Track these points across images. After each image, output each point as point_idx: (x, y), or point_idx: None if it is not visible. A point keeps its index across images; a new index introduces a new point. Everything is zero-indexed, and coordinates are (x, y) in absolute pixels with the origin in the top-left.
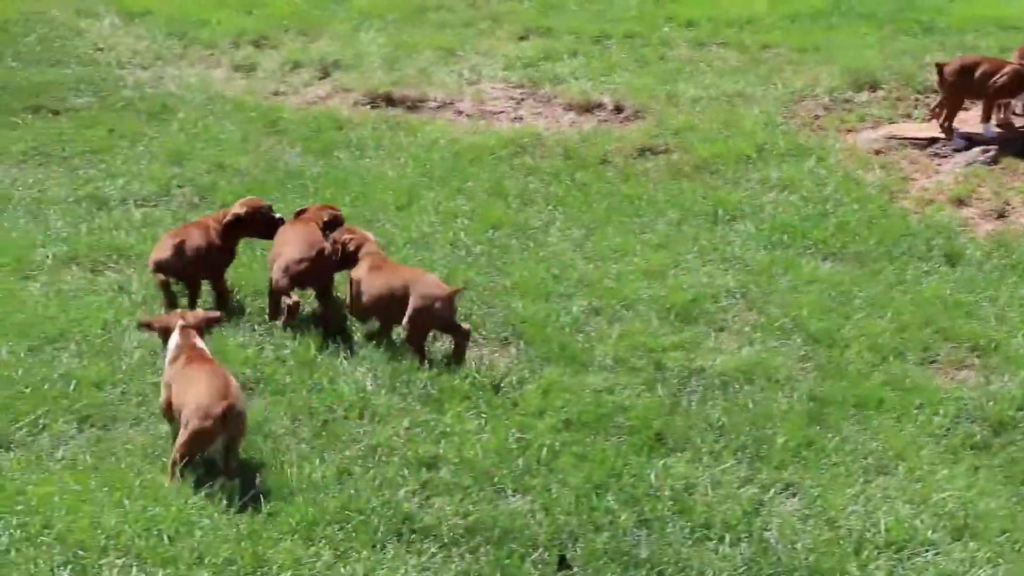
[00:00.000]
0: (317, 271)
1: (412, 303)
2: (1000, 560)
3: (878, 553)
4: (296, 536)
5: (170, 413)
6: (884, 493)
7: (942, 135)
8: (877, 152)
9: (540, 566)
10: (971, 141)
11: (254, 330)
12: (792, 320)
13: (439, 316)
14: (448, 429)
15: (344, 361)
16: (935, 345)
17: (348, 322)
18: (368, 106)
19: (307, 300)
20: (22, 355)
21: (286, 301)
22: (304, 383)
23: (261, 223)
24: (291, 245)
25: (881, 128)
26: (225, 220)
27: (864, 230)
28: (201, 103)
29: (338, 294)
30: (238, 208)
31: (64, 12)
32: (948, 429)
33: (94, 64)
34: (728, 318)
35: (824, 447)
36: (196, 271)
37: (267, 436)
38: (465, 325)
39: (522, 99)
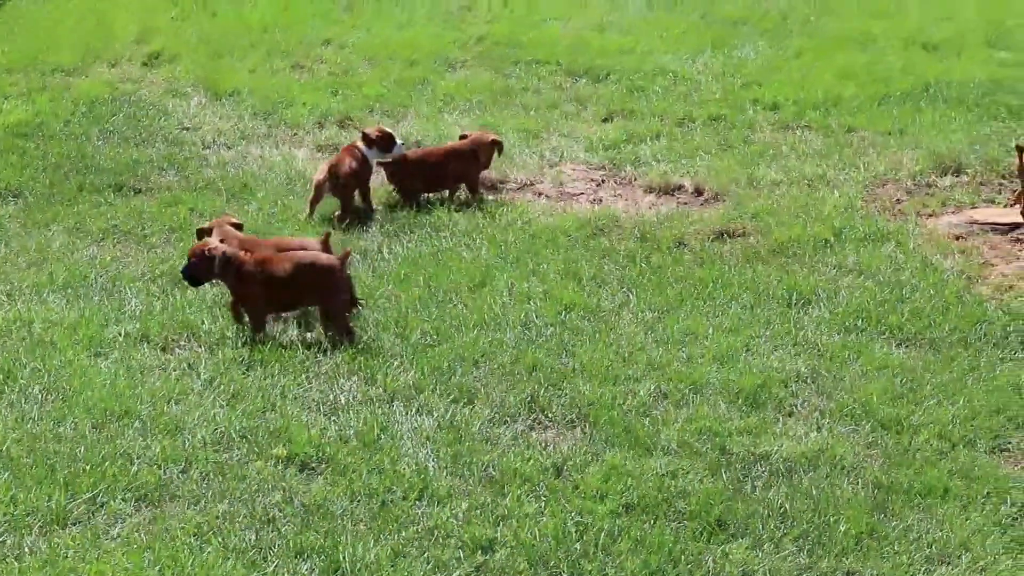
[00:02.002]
0: None
1: None
2: None
3: None
4: None
5: None
6: None
7: None
8: (957, 237)
9: None
10: None
11: (319, 409)
12: (861, 406)
13: None
14: (507, 512)
15: (408, 442)
16: (1007, 433)
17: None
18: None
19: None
20: (86, 432)
21: None
22: (366, 463)
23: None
24: None
25: (963, 213)
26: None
27: (939, 316)
28: (282, 183)
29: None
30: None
31: (153, 92)
32: (1015, 518)
33: (179, 144)
34: (797, 403)
35: (887, 535)
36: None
37: (324, 516)
38: None
39: (602, 181)
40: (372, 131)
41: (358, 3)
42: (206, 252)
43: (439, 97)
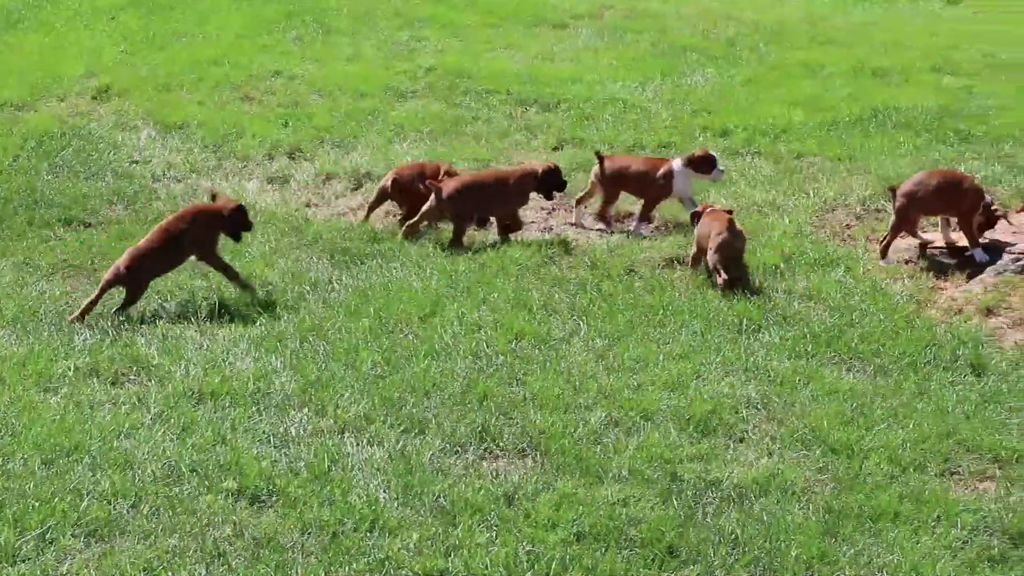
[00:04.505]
0: None
1: None
2: None
3: None
4: None
5: None
6: None
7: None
8: (907, 262)
9: None
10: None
11: (270, 441)
12: (812, 431)
13: None
14: (458, 542)
15: (359, 473)
16: (956, 456)
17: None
18: (398, 217)
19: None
20: (35, 468)
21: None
22: (316, 495)
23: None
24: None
25: (912, 237)
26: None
27: (889, 340)
28: None
29: None
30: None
31: (102, 126)
32: (965, 542)
33: (129, 177)
34: (747, 429)
35: (838, 560)
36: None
37: (274, 549)
38: None
39: (553, 209)
40: (697, 152)
41: (307, 35)
42: None
43: (389, 128)
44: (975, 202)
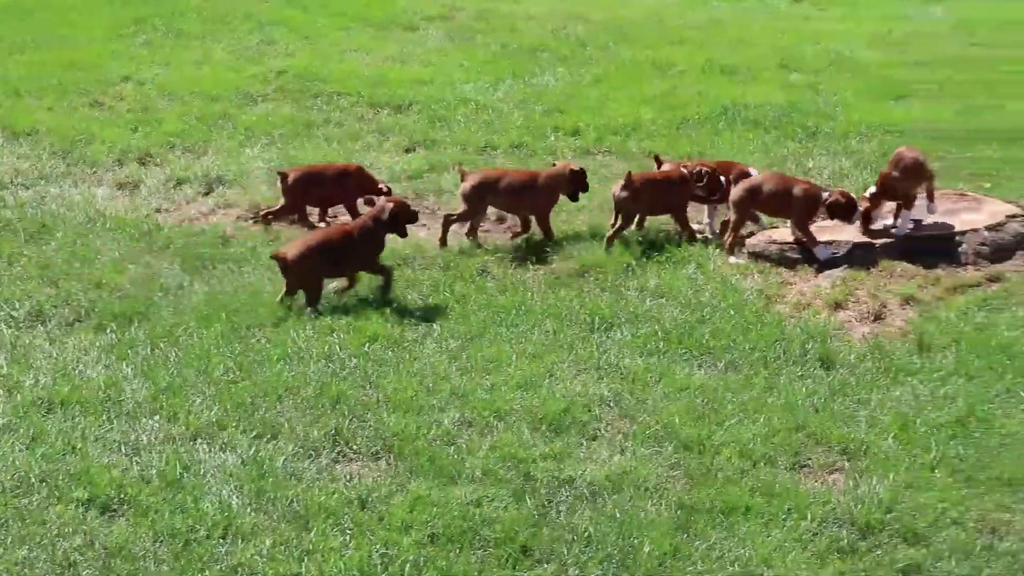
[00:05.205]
0: None
1: None
2: None
3: None
4: None
5: None
6: None
7: (821, 240)
8: (756, 258)
9: None
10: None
11: (121, 449)
12: (664, 427)
13: None
14: (312, 546)
15: (211, 480)
16: (806, 449)
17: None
18: (250, 221)
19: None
20: None
21: None
22: (168, 503)
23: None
24: None
25: (762, 233)
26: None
27: (739, 336)
28: (81, 222)
29: None
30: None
31: None
32: (815, 534)
33: None
34: (600, 427)
35: (691, 555)
36: None
37: (126, 558)
38: None
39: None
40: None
41: (156, 39)
42: None
43: (240, 132)
44: (808, 207)
